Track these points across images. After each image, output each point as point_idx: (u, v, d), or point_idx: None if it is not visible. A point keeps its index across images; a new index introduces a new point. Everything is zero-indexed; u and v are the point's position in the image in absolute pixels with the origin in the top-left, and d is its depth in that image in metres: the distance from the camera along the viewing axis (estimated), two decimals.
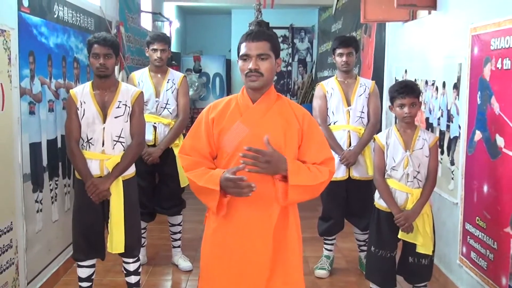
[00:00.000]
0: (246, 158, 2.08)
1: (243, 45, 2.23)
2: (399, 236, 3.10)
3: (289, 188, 2.15)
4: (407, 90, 3.04)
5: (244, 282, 2.26)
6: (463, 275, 3.52)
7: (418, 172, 3.07)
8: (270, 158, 2.11)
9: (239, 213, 2.24)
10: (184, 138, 4.05)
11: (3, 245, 3.05)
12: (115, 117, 3.11)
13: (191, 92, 9.05)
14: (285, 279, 2.29)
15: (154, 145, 3.93)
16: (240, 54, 2.23)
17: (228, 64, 10.41)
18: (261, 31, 2.26)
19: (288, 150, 2.23)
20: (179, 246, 4.23)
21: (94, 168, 3.09)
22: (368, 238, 3.39)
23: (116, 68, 3.59)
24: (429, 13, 4.26)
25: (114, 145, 3.12)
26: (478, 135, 3.28)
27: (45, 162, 3.61)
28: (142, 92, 3.30)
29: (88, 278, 3.24)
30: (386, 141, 3.14)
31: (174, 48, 9.22)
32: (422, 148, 3.08)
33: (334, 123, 3.87)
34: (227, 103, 2.32)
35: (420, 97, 3.17)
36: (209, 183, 2.16)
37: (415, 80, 4.36)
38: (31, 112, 3.40)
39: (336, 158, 3.77)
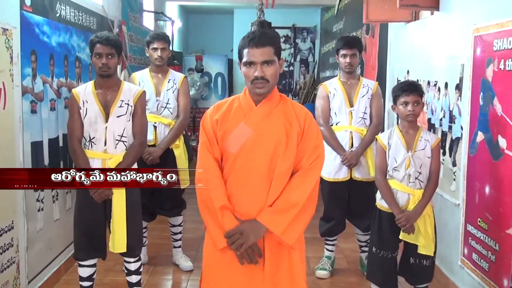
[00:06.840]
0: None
1: (246, 51, 2.18)
2: (400, 237, 3.09)
3: (282, 237, 2.20)
4: (411, 88, 3.05)
5: (247, 282, 2.26)
6: (464, 276, 3.51)
7: (420, 173, 3.06)
8: (241, 234, 2.17)
9: (240, 212, 2.24)
10: (184, 138, 4.10)
11: (4, 244, 3.05)
12: (118, 116, 3.11)
13: (193, 92, 9.04)
14: (289, 278, 2.29)
15: (154, 145, 3.92)
16: (244, 60, 2.19)
17: (230, 63, 10.41)
18: (263, 35, 2.20)
19: (289, 151, 2.23)
20: (180, 246, 4.23)
21: None
22: (370, 239, 3.39)
23: (118, 67, 3.59)
24: (432, 13, 4.25)
25: (116, 144, 3.11)
26: (480, 136, 3.27)
27: (46, 161, 3.61)
28: (144, 91, 3.30)
29: (89, 278, 3.23)
30: (388, 141, 3.13)
31: (176, 47, 9.22)
32: (424, 149, 3.07)
33: (337, 124, 3.86)
34: (230, 104, 2.31)
35: (423, 98, 3.17)
36: (217, 239, 2.23)
37: (417, 80, 4.34)
38: (33, 111, 3.40)
39: (338, 159, 3.77)
